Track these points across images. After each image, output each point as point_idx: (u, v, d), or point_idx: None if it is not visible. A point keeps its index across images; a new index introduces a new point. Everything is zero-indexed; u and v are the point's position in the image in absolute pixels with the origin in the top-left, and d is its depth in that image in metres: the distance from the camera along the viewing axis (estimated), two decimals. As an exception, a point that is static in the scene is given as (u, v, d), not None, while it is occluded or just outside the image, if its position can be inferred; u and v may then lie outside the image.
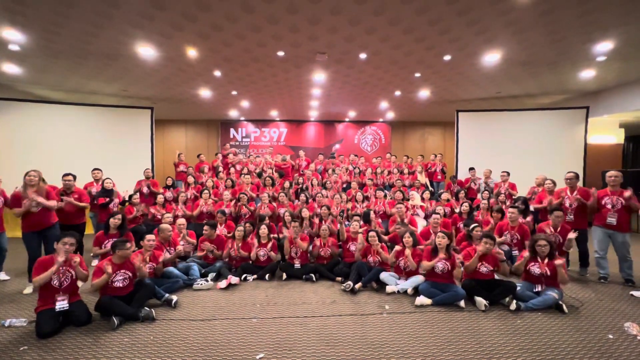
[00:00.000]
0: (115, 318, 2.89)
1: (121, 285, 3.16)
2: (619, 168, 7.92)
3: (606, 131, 8.48)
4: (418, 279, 3.71)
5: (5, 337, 2.72)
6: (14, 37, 4.60)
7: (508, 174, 6.18)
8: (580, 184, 4.70)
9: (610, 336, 2.75)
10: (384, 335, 2.76)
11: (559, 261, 3.34)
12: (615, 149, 8.50)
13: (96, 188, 5.22)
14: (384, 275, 3.87)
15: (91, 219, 5.28)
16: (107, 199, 4.93)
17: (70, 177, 4.40)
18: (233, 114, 10.19)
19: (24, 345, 2.60)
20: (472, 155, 7.66)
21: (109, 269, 3.01)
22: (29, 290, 3.73)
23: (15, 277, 4.21)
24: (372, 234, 4.14)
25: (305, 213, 4.99)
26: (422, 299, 3.39)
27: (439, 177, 7.80)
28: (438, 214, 4.77)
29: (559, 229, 4.07)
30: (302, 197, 5.67)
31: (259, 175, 7.16)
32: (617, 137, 8.56)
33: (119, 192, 5.27)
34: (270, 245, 4.41)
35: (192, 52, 5.30)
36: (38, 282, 2.79)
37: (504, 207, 5.16)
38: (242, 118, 10.95)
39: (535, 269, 3.46)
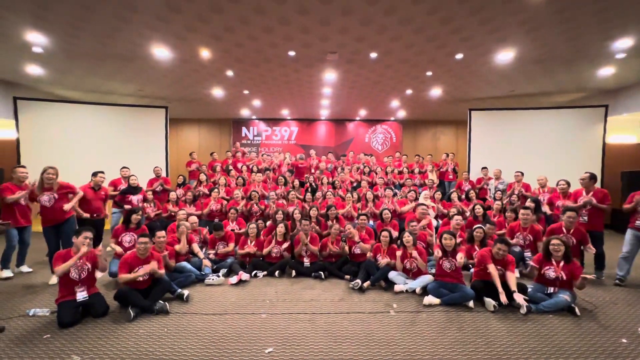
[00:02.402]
0: (132, 310, 3.02)
1: (140, 279, 3.30)
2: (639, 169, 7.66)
3: (626, 130, 8.18)
4: (426, 279, 3.71)
5: (30, 326, 2.88)
6: (38, 40, 4.81)
7: (522, 174, 6.07)
8: (598, 184, 4.57)
9: (624, 340, 2.70)
10: (391, 334, 2.79)
11: (585, 276, 3.20)
12: (635, 148, 8.20)
13: (124, 185, 5.45)
14: (393, 274, 3.88)
15: (113, 215, 5.48)
16: (125, 202, 5.18)
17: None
18: (245, 112, 10.32)
19: (47, 333, 2.75)
20: (485, 154, 7.53)
21: (140, 272, 3.27)
22: (54, 281, 3.89)
23: (39, 269, 4.41)
24: (384, 233, 4.15)
25: (314, 212, 5.03)
26: (430, 299, 3.40)
27: (450, 176, 7.72)
28: (460, 215, 4.68)
29: (572, 230, 3.99)
30: (315, 194, 5.70)
31: (266, 170, 7.24)
32: (637, 137, 8.26)
33: (144, 189, 5.52)
34: (286, 244, 4.53)
35: (205, 53, 5.41)
36: (60, 271, 2.96)
37: (509, 207, 5.07)
38: (254, 117, 11.06)
39: (550, 272, 3.37)
